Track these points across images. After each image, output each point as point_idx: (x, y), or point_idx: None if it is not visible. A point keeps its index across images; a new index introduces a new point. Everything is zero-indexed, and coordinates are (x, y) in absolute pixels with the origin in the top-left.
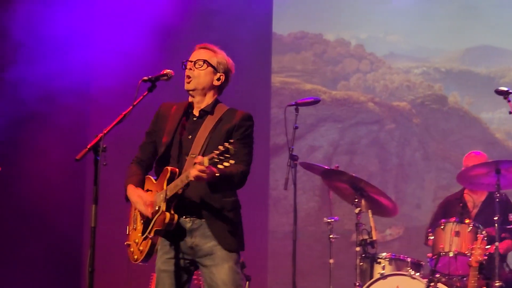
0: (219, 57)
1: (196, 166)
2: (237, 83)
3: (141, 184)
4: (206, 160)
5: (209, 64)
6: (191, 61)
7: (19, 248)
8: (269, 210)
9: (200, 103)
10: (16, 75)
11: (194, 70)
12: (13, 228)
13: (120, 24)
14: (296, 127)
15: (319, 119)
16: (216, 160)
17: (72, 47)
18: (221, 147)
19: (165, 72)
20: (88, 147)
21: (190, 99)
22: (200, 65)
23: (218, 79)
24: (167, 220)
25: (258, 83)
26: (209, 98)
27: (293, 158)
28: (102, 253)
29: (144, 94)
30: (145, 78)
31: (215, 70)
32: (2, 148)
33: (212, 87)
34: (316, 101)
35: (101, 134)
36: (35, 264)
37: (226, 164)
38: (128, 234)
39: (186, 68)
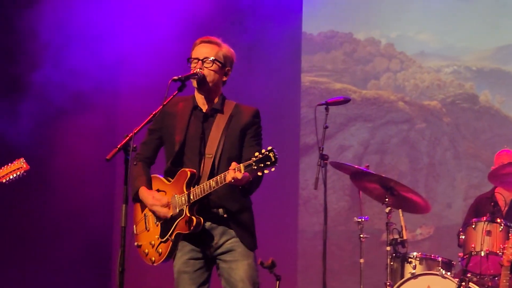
0: (224, 50)
1: (231, 173)
2: (267, 82)
3: (150, 184)
4: (242, 167)
5: (218, 62)
6: (198, 59)
7: (50, 247)
8: (299, 210)
9: (209, 99)
10: (44, 75)
11: (203, 69)
12: (43, 227)
13: (150, 22)
14: (326, 127)
15: (349, 119)
16: (254, 167)
17: (101, 45)
18: (258, 154)
19: (195, 72)
20: (118, 147)
21: (197, 95)
22: (209, 63)
23: (226, 74)
24: (194, 224)
25: (288, 83)
26: (216, 94)
27: (323, 157)
28: (133, 253)
29: (174, 93)
30: (175, 77)
31: (223, 65)
32: (33, 148)
33: (221, 82)
34: (346, 101)
35: (131, 134)
36: (65, 263)
37: (266, 171)
38: (137, 234)
39: (192, 66)
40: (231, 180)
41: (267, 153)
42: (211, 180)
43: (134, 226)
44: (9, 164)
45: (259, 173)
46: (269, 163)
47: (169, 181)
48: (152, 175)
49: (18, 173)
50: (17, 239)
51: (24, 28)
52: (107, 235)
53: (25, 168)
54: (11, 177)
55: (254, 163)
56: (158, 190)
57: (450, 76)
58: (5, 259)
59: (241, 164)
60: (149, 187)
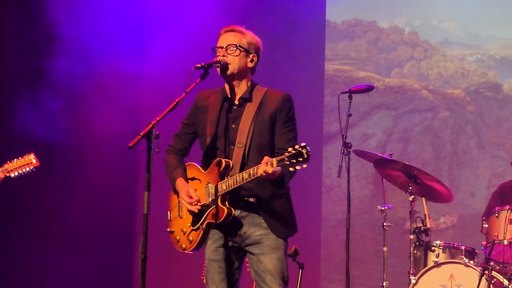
0: (248, 37)
1: (263, 167)
2: (291, 70)
3: (186, 175)
4: (275, 161)
5: (241, 48)
6: (222, 47)
7: (74, 233)
8: (322, 198)
9: (237, 88)
10: (68, 66)
11: (227, 57)
12: (66, 217)
13: (178, 9)
14: (350, 115)
15: (373, 107)
16: (286, 163)
17: (125, 35)
18: (291, 150)
19: (218, 59)
20: (141, 134)
21: (226, 85)
22: (232, 50)
23: (252, 61)
24: (224, 214)
25: (311, 71)
26: (245, 82)
27: (346, 145)
28: (155, 240)
29: (197, 81)
30: (198, 65)
31: (247, 52)
32: (59, 137)
33: (247, 69)
34: (370, 89)
35: (154, 121)
36: (88, 250)
37: (298, 167)
38: (170, 220)
39: (216, 54)
40: (262, 174)
41: (300, 149)
42: (244, 172)
43: (168, 212)
44: (19, 158)
45: (291, 169)
46: (301, 159)
47: (205, 170)
48: (188, 163)
49: (28, 169)
50: (41, 227)
51: (47, 20)
52: (130, 222)
53: (35, 164)
54: (20, 171)
55: (286, 158)
56: (193, 178)
57: (474, 65)
58: (31, 245)
59: (273, 159)
60: (186, 178)
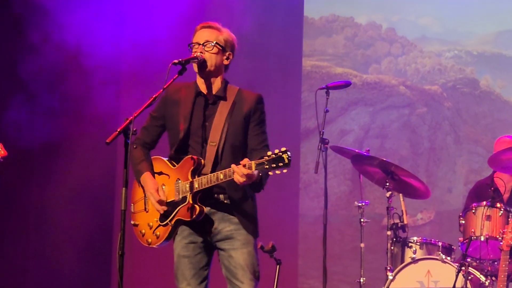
0: (225, 35)
1: (242, 169)
2: (268, 66)
3: (153, 170)
4: (254, 164)
5: (218, 45)
6: (198, 43)
7: (52, 227)
8: (300, 194)
9: (211, 85)
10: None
11: (204, 53)
12: (44, 210)
13: (153, 7)
14: (327, 111)
15: (350, 103)
16: (266, 167)
17: (102, 30)
18: (271, 154)
19: (196, 55)
20: (118, 130)
21: (199, 80)
22: (209, 47)
23: (227, 58)
24: (196, 212)
25: (289, 67)
26: (219, 80)
27: (323, 141)
28: (133, 236)
29: (174, 77)
30: (175, 61)
31: (224, 50)
32: (33, 134)
33: (222, 67)
34: (347, 85)
35: (131, 117)
36: (66, 245)
37: (277, 172)
38: (134, 213)
39: (193, 50)
40: (239, 180)
41: (281, 154)
42: (219, 173)
43: (132, 204)
44: None
45: (270, 173)
46: (281, 164)
47: (174, 165)
48: (155, 157)
49: None
50: (18, 221)
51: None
52: (108, 218)
53: (3, 154)
54: None
55: (266, 162)
56: (161, 173)
57: (451, 61)
58: (8, 238)
59: (252, 162)
60: (152, 172)
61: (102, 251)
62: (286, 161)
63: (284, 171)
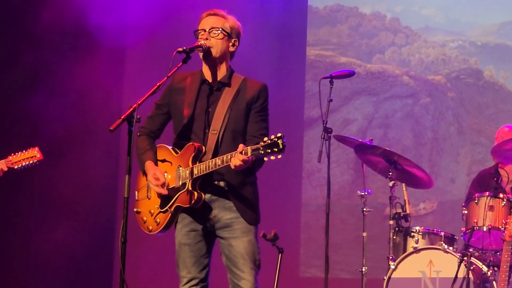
0: (230, 22)
1: (238, 156)
2: (272, 55)
3: (156, 158)
4: (249, 150)
5: (224, 32)
6: (204, 30)
7: (56, 216)
8: (303, 183)
9: (216, 72)
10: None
11: (210, 40)
12: (48, 198)
13: None
14: (331, 100)
15: (354, 92)
16: (261, 152)
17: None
18: (267, 139)
19: (200, 43)
20: (122, 117)
21: (204, 68)
22: (215, 34)
23: (233, 45)
24: (195, 198)
25: (293, 56)
26: (224, 67)
27: (327, 131)
28: (136, 224)
29: (179, 65)
30: (180, 49)
31: (230, 36)
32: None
33: (228, 54)
34: (351, 74)
35: (135, 105)
36: (70, 233)
37: (272, 157)
38: (138, 200)
39: (199, 37)
40: (235, 165)
41: (276, 139)
42: (217, 158)
43: (136, 192)
44: (23, 151)
45: (265, 159)
46: (276, 149)
47: (177, 152)
48: (160, 145)
49: (31, 162)
50: (25, 198)
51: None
52: (111, 206)
53: (39, 158)
54: (23, 164)
55: (261, 148)
56: (164, 160)
57: (455, 51)
58: (11, 225)
59: (248, 147)
60: (155, 161)
61: (105, 239)
62: (281, 146)
63: (279, 156)
